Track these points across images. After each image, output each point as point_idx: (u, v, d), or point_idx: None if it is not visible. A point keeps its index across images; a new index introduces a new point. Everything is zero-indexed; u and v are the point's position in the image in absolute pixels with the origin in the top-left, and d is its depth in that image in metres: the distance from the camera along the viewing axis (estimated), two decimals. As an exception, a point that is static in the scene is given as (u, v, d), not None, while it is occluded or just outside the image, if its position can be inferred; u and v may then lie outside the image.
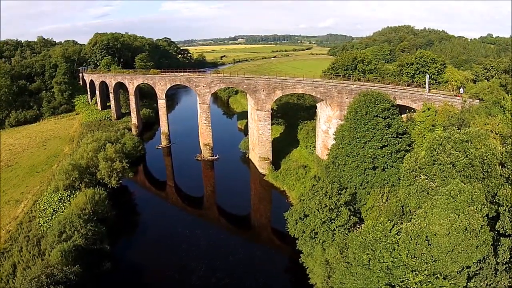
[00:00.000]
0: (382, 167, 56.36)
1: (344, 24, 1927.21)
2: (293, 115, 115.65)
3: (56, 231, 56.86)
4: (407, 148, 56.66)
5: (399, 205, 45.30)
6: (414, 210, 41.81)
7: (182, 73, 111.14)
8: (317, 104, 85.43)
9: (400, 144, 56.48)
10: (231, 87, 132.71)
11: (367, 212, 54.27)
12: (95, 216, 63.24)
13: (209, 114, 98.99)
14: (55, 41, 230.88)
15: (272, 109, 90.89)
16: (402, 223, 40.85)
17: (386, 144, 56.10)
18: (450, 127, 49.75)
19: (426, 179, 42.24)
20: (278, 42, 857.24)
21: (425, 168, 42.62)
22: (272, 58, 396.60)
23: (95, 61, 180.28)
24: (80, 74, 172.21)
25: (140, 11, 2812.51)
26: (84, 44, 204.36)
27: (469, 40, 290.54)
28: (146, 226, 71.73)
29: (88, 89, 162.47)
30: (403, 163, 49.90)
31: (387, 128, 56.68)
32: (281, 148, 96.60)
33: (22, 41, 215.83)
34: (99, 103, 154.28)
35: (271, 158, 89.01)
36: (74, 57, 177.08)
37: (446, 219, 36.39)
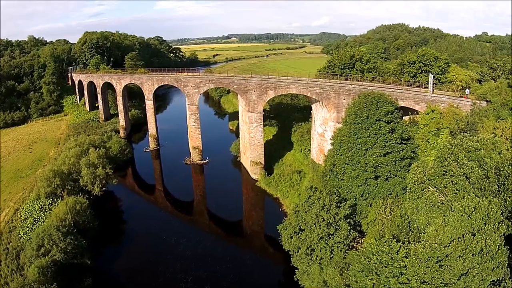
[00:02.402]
0: (385, 177, 51.67)
1: (338, 22, 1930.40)
2: (287, 116, 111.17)
3: (34, 244, 53.44)
4: (412, 155, 52.21)
5: (406, 220, 40.87)
6: (423, 227, 37.51)
7: (170, 73, 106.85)
8: (312, 105, 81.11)
9: (404, 151, 51.86)
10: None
11: (368, 226, 49.76)
12: (75, 227, 59.25)
13: (198, 116, 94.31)
14: (46, 41, 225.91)
15: (264, 109, 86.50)
16: (409, 242, 36.48)
17: (390, 151, 51.31)
18: (459, 133, 45.72)
19: (436, 191, 37.95)
20: (272, 40, 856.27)
21: (435, 180, 38.35)
22: (265, 57, 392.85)
23: (84, 61, 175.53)
24: (69, 74, 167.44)
25: (134, 10, 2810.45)
26: (74, 43, 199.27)
27: (464, 38, 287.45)
28: (131, 235, 67.79)
29: (77, 90, 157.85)
30: (408, 171, 45.87)
31: (390, 134, 51.95)
32: (274, 151, 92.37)
33: (13, 41, 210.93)
34: (87, 104, 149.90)
35: (263, 162, 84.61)
36: (63, 56, 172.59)
37: (460, 240, 32.37)
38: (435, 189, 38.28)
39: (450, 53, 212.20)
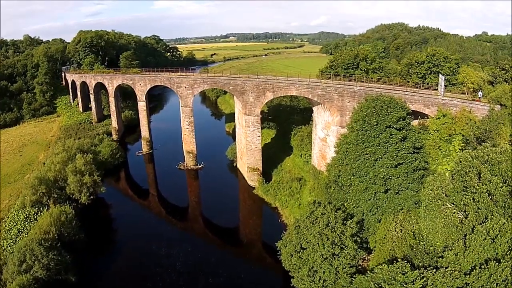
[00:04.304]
0: (396, 190, 46.98)
1: (336, 22, 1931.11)
2: (286, 119, 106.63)
3: (16, 259, 49.58)
4: (425, 165, 47.64)
5: (421, 241, 36.51)
6: (440, 250, 33.31)
7: (163, 73, 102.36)
8: (313, 108, 76.66)
9: (417, 161, 47.08)
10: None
11: (376, 244, 45.29)
12: (59, 241, 55.13)
13: (192, 119, 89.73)
14: (42, 40, 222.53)
15: (262, 111, 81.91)
16: (425, 268, 32.21)
17: (401, 161, 46.63)
18: (475, 141, 41.57)
19: (455, 209, 33.71)
20: (270, 40, 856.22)
21: (453, 196, 34.07)
22: (264, 56, 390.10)
23: (79, 60, 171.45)
24: (63, 74, 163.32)
25: (132, 9, 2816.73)
26: (69, 43, 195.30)
27: (464, 38, 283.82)
28: (120, 247, 63.79)
29: (70, 90, 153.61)
30: (421, 184, 41.63)
31: (402, 142, 47.25)
32: (272, 156, 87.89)
33: (8, 40, 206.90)
34: (80, 105, 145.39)
35: (261, 168, 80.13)
36: (57, 56, 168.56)
37: (483, 267, 28.36)
38: (453, 206, 34.05)
39: (450, 52, 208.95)
